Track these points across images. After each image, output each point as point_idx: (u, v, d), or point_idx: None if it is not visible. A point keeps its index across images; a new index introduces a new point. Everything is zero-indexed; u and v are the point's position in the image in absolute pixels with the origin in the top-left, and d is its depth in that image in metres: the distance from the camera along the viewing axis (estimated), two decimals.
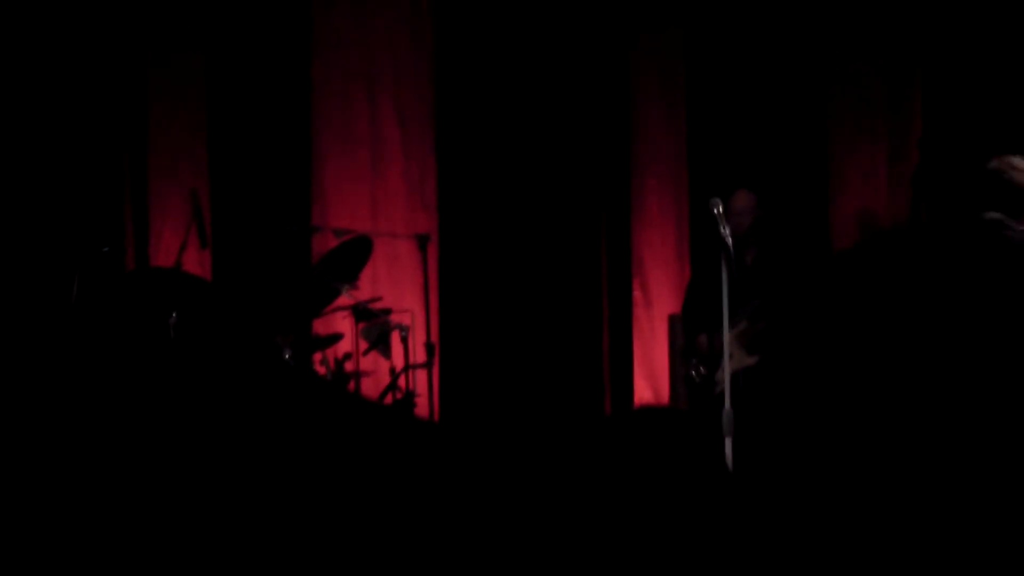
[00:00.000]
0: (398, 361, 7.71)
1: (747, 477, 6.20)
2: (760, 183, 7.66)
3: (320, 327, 7.97)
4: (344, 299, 7.59)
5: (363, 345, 7.69)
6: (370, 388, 7.89)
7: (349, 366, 7.70)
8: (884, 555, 5.19)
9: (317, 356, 7.64)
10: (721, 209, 6.23)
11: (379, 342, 7.67)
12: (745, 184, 7.35)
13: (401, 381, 7.64)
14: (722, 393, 6.19)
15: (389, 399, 7.58)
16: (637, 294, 8.59)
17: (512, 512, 5.86)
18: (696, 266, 8.34)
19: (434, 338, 8.16)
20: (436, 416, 8.04)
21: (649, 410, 7.22)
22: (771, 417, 6.71)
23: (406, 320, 7.71)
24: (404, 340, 7.63)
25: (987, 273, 7.67)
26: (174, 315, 6.76)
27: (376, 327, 7.67)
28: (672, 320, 8.17)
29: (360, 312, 7.63)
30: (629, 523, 5.77)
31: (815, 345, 7.02)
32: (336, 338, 7.71)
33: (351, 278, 7.55)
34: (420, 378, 7.87)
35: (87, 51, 8.13)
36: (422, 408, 7.82)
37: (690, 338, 7.12)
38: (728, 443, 5.79)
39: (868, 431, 6.89)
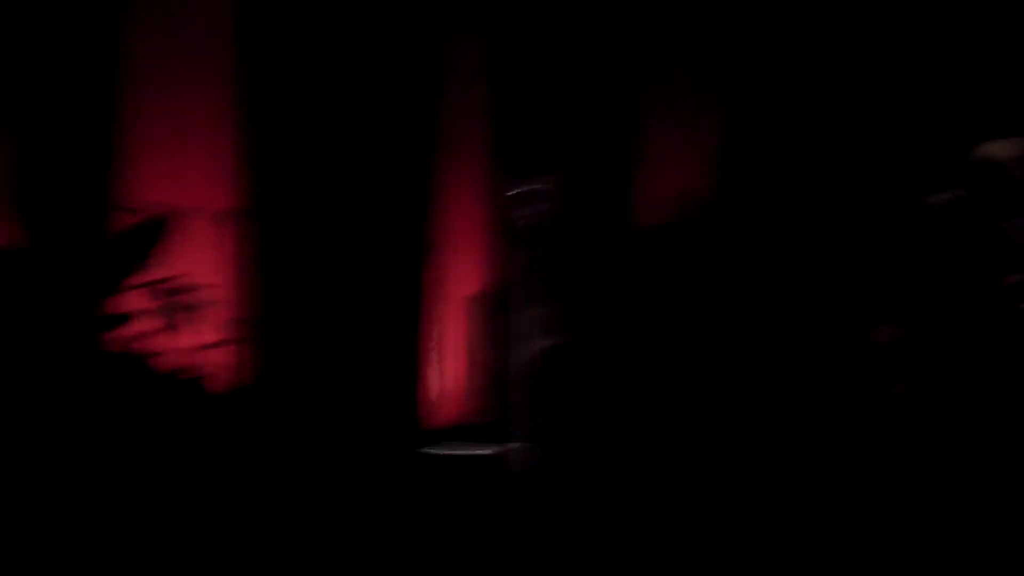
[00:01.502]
0: (199, 339, 7.66)
1: (550, 465, 6.29)
2: (566, 167, 7.74)
3: (116, 305, 7.86)
4: (142, 276, 7.51)
5: (161, 323, 7.62)
6: (168, 366, 7.80)
7: (146, 344, 7.62)
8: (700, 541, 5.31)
9: (112, 334, 7.54)
10: (519, 194, 6.31)
11: (178, 320, 7.62)
12: (550, 168, 7.41)
13: (201, 358, 7.59)
14: (520, 375, 6.28)
15: (188, 376, 7.53)
16: (436, 276, 8.61)
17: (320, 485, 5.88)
18: (499, 250, 8.39)
19: (236, 315, 8.12)
20: (236, 392, 8.00)
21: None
22: (572, 397, 6.80)
23: (207, 297, 7.66)
24: (205, 318, 7.61)
25: (793, 257, 7.88)
26: None
27: (175, 305, 7.61)
28: (470, 303, 8.21)
29: (158, 289, 7.56)
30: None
31: (616, 325, 7.13)
32: (133, 316, 7.62)
33: (150, 254, 7.48)
34: (221, 356, 7.84)
35: None
36: (222, 385, 7.80)
37: (489, 321, 7.18)
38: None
39: (667, 411, 7.02)
